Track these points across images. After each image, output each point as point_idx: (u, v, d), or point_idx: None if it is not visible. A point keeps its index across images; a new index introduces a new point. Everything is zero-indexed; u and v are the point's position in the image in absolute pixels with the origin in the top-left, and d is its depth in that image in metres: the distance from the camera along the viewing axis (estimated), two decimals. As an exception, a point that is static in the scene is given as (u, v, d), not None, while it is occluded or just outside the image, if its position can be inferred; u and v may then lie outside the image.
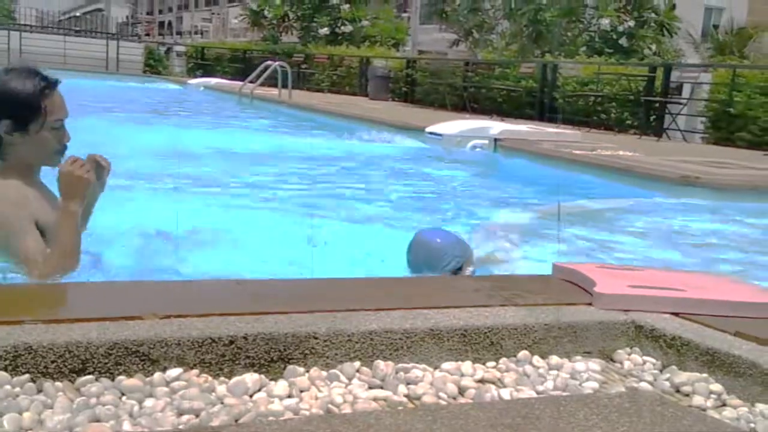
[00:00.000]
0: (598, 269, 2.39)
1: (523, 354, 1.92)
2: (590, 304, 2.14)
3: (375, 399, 1.57)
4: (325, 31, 25.99)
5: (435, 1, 20.10)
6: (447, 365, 1.81)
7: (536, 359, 1.91)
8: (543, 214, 5.21)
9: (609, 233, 5.01)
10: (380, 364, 1.73)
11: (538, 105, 14.63)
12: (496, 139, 9.40)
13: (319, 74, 23.31)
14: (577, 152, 8.15)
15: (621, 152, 8.48)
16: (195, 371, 1.60)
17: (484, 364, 1.88)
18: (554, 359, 1.93)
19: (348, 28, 26.08)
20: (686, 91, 13.90)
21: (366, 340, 1.76)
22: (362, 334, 1.75)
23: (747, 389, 1.80)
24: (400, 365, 1.75)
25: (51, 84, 2.64)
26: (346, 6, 26.14)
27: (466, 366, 1.83)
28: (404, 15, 35.44)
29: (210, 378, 1.60)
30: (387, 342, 1.78)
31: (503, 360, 1.90)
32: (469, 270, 3.13)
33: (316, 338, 1.70)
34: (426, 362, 1.82)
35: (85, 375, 1.53)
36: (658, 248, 4.72)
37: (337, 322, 1.77)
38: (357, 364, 1.73)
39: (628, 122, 13.27)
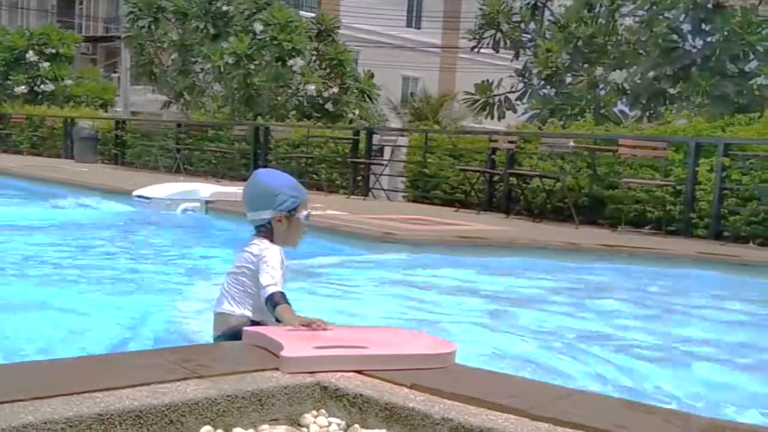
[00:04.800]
0: (287, 332, 2.39)
1: (205, 430, 1.84)
2: (278, 368, 2.12)
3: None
4: (22, 89, 24.08)
5: (143, 62, 19.54)
6: (118, 452, 1.67)
7: (219, 433, 1.84)
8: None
9: (317, 291, 5.11)
10: (37, 461, 1.54)
11: (253, 166, 14.76)
12: (207, 201, 9.27)
13: (17, 135, 21.52)
14: (287, 213, 8.27)
15: (329, 211, 8.79)
16: None
17: (162, 445, 1.77)
18: (238, 431, 1.87)
19: (49, 87, 24.41)
20: (387, 153, 14.92)
21: (20, 436, 1.56)
22: (15, 429, 1.55)
23: (421, 440, 1.88)
24: (62, 459, 1.58)
25: None
26: (46, 64, 24.50)
27: (142, 450, 1.70)
28: (114, 75, 34.14)
29: None
30: (47, 435, 1.59)
31: (184, 438, 1.80)
32: (303, 213, 3.05)
33: (-47, 441, 1.48)
34: (95, 452, 1.66)
35: None
36: (362, 303, 4.90)
37: (-18, 418, 1.55)
38: (9, 464, 1.52)
39: (338, 182, 13.86)
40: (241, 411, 1.91)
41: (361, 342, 2.30)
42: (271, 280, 2.82)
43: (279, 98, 17.18)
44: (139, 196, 9.44)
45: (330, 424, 1.99)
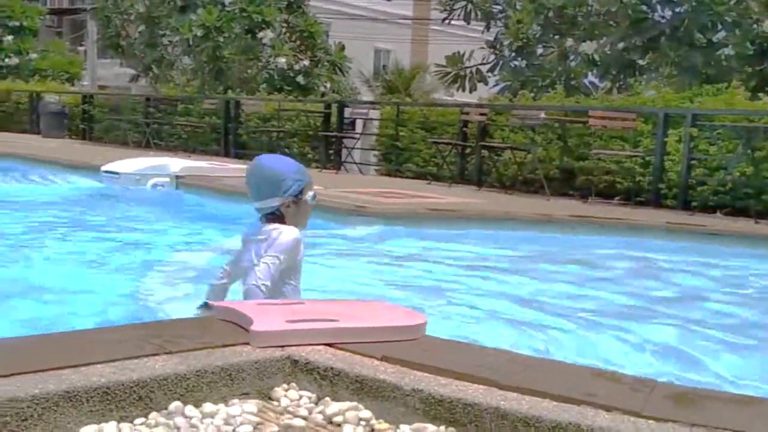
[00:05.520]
0: (256, 306, 2.38)
1: (174, 405, 1.83)
2: (248, 343, 2.11)
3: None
4: (-14, 63, 23.64)
5: (110, 35, 19.19)
6: (86, 429, 1.66)
7: (189, 409, 1.83)
8: (222, 250, 5.14)
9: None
10: (3, 439, 1.53)
11: (224, 141, 14.65)
12: (177, 176, 9.18)
13: (-19, 111, 21.14)
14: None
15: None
16: None
17: (131, 422, 1.76)
18: (208, 406, 1.86)
19: (13, 61, 23.95)
20: (359, 126, 14.84)
21: (-16, 414, 1.54)
22: (-21, 407, 1.53)
23: (392, 412, 1.89)
24: (29, 437, 1.56)
25: None
26: (10, 37, 24.00)
27: (110, 427, 1.69)
28: (80, 48, 33.53)
29: None
30: (12, 413, 1.58)
31: (153, 415, 1.79)
32: (309, 194, 3.07)
33: None
34: (63, 429, 1.65)
35: None
36: (333, 277, 4.90)
37: (-55, 397, 1.53)
38: (-26, 443, 1.51)
39: (310, 156, 13.79)
40: (211, 386, 1.91)
41: (332, 315, 2.29)
42: (262, 278, 2.85)
43: (249, 71, 16.99)
44: (107, 172, 9.32)
45: (301, 397, 1.99)
